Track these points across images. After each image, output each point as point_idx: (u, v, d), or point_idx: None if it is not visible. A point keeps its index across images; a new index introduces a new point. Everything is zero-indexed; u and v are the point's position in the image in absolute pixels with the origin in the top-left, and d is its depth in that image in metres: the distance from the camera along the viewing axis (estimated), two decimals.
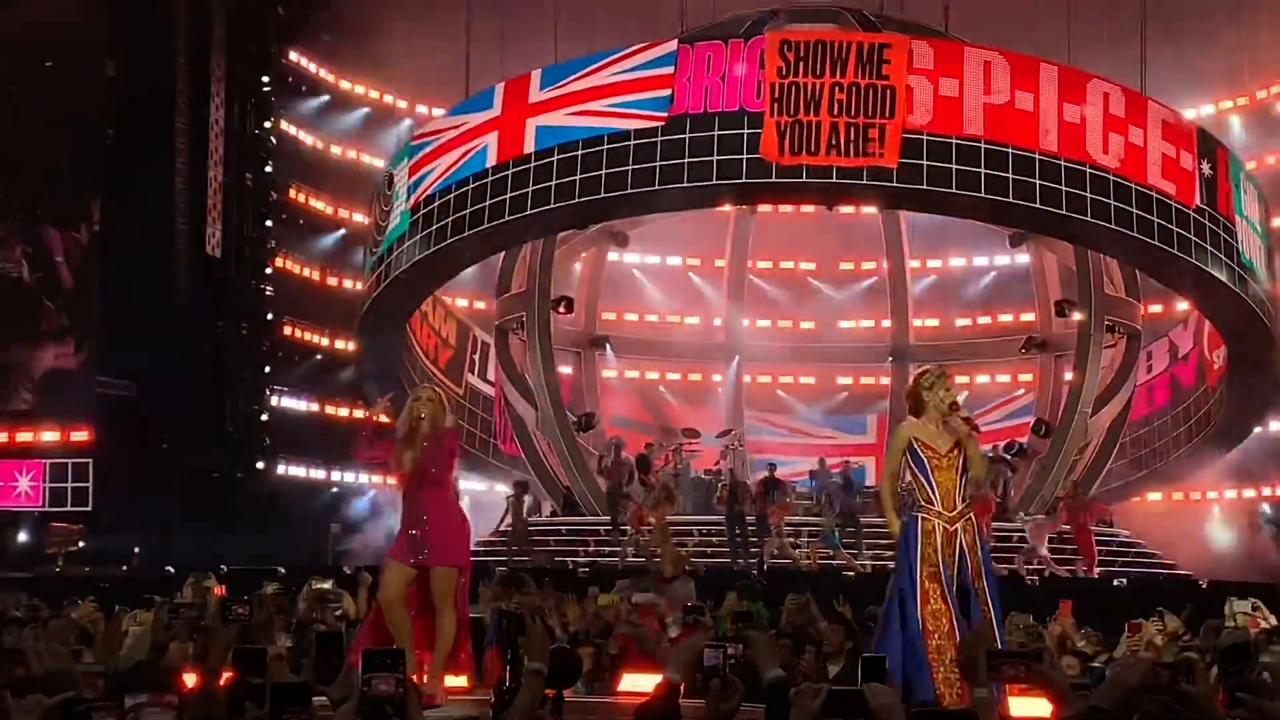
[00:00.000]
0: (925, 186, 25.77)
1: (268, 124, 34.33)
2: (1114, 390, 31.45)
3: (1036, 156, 25.71)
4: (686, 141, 26.19)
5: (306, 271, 35.66)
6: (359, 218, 34.47)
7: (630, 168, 26.39)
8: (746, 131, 25.96)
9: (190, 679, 8.89)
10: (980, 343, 35.66)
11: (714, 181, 26.48)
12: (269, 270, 34.21)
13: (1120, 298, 31.29)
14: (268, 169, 34.25)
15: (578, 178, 26.63)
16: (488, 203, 27.35)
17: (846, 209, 32.40)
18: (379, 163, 34.79)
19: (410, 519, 10.58)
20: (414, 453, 10.47)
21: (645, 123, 26.44)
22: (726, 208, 33.29)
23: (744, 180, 26.46)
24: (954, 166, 25.55)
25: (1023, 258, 34.55)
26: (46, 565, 27.95)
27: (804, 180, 26.29)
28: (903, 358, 35.94)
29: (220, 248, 33.03)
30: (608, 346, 36.06)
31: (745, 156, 26.00)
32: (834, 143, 25.61)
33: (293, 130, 35.49)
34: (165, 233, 31.54)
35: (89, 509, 30.48)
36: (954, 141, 25.64)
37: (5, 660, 4.46)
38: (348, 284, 34.98)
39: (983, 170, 25.58)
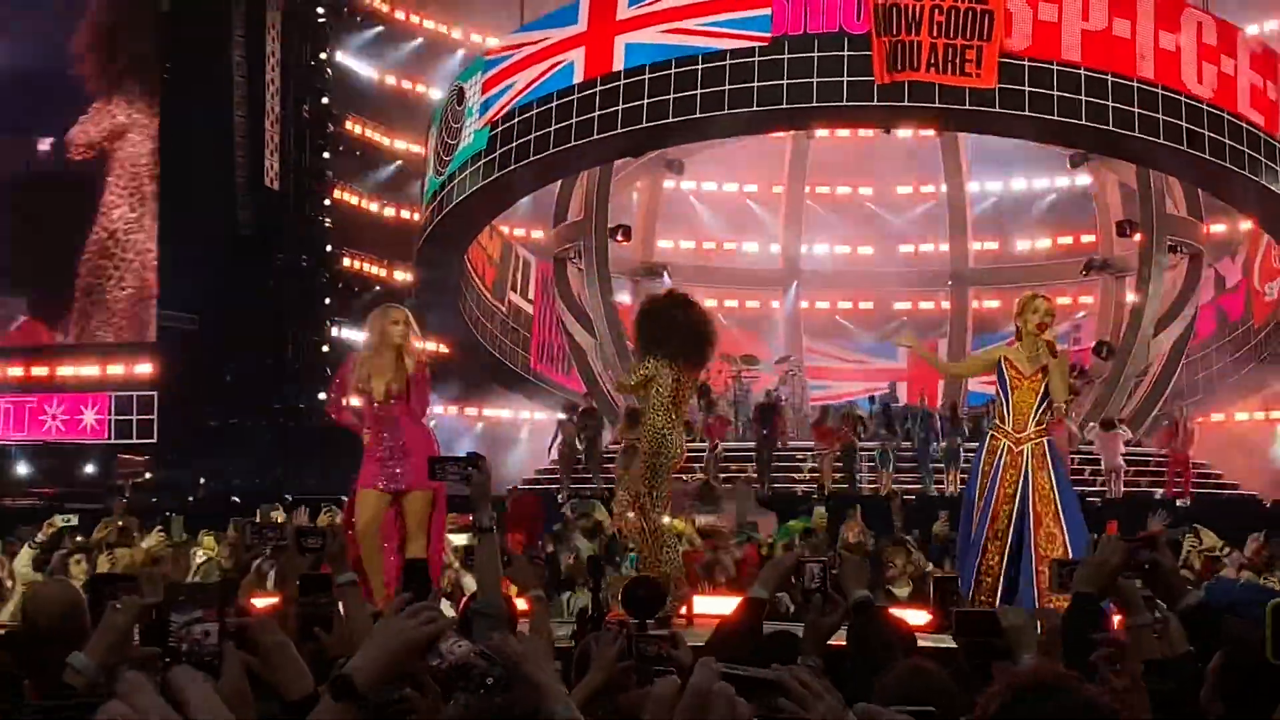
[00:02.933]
0: (1026, 112, 25.56)
1: (323, 55, 34.30)
2: (1176, 311, 31.22)
3: (1134, 84, 25.54)
4: (785, 62, 25.92)
5: (364, 203, 35.73)
6: (416, 149, 34.45)
7: (727, 88, 26.15)
8: (847, 53, 25.75)
9: (260, 603, 9.03)
10: (1040, 265, 35.43)
11: (814, 104, 26.28)
12: (327, 202, 34.25)
13: (1182, 217, 31.01)
14: (324, 101, 34.24)
15: (671, 97, 26.35)
16: (574, 120, 27.09)
17: (904, 132, 32.15)
18: (435, 93, 34.77)
19: (385, 447, 10.29)
20: (386, 380, 10.19)
21: (743, 42, 26.21)
22: (781, 134, 33.14)
23: (844, 103, 26.26)
24: (1055, 93, 25.34)
25: (1083, 179, 34.27)
26: (113, 496, 28.27)
27: (906, 104, 26.03)
28: (962, 282, 35.82)
29: (279, 180, 33.13)
30: (665, 274, 36.03)
31: (846, 79, 25.81)
32: (933, 61, 25.45)
33: (348, 61, 35.48)
34: (224, 166, 31.63)
35: (154, 441, 30.79)
36: (1054, 67, 25.45)
37: (117, 585, 4.46)
38: (405, 215, 35.03)
39: (1082, 97, 25.37)
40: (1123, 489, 26.67)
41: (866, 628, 5.23)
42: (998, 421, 10.81)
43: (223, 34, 31.84)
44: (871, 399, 31.20)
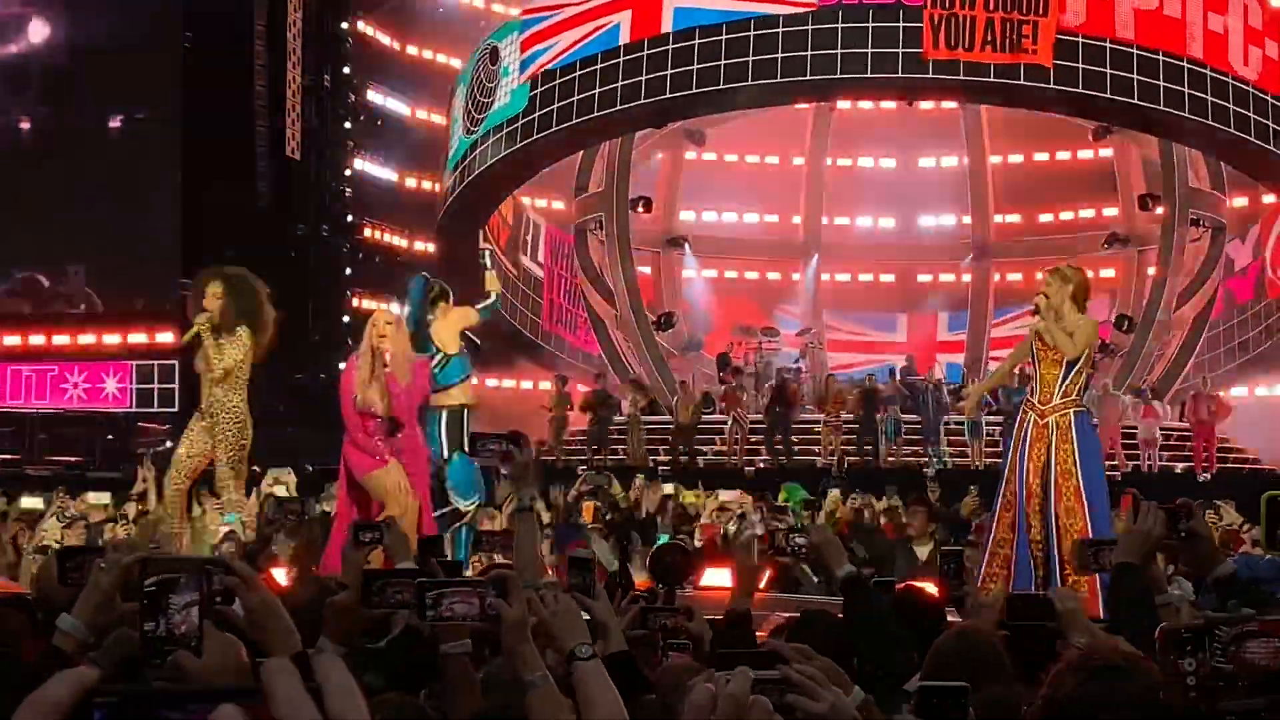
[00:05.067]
0: (1080, 89, 25.47)
1: (345, 25, 34.27)
2: (1198, 284, 31.12)
3: (1185, 64, 25.46)
4: (839, 31, 25.77)
5: (385, 173, 35.72)
6: (437, 118, 34.42)
7: (780, 55, 25.96)
8: (902, 25, 25.60)
9: (280, 574, 9.05)
10: (1062, 238, 35.28)
11: (868, 74, 26.14)
12: (348, 172, 34.28)
13: (1205, 190, 30.92)
14: (345, 70, 34.22)
15: (722, 63, 26.19)
16: (620, 83, 26.96)
17: (926, 104, 32.03)
18: (456, 63, 34.68)
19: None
20: (379, 395, 10.27)
21: (794, 9, 26.04)
22: (804, 104, 33.01)
23: (899, 75, 26.09)
24: (1108, 71, 25.27)
25: (1106, 151, 34.13)
26: (134, 465, 28.32)
27: (961, 78, 25.94)
28: (984, 254, 35.71)
29: (299, 150, 33.12)
30: (686, 246, 36.01)
31: (901, 51, 25.67)
32: (989, 38, 25.33)
33: (369, 30, 35.43)
34: (245, 135, 31.64)
35: (175, 410, 30.85)
36: (1107, 44, 25.35)
37: (83, 560, 4.49)
38: (427, 185, 35.01)
39: (1135, 76, 25.29)
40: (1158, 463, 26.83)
41: (861, 603, 5.22)
42: (1028, 395, 10.78)
43: (244, 2, 31.80)
44: (892, 371, 31.12)
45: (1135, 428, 27.49)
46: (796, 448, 28.09)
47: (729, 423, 28.60)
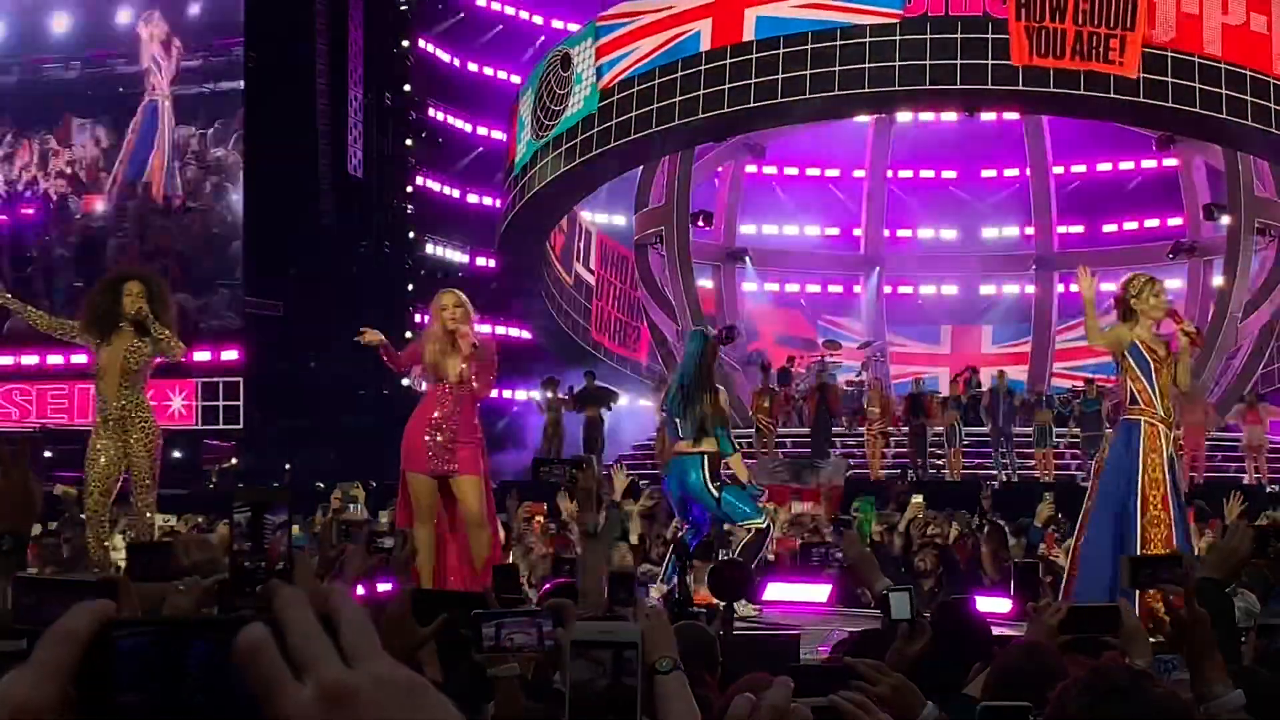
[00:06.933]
0: (1170, 104, 25.29)
1: (405, 43, 34.48)
2: (1265, 294, 30.79)
3: (1271, 81, 25.27)
4: (927, 42, 25.53)
5: (446, 190, 35.88)
6: (497, 135, 34.53)
7: (866, 65, 25.84)
8: (991, 36, 25.48)
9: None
10: (1126, 248, 35.01)
11: (958, 86, 25.99)
12: (409, 189, 34.46)
13: (1271, 199, 30.57)
14: (406, 88, 34.43)
15: (808, 72, 25.89)
16: (701, 91, 26.77)
17: (988, 115, 31.85)
18: (516, 79, 34.82)
19: (433, 427, 10.11)
20: (456, 363, 10.03)
21: (880, 19, 25.95)
22: (865, 117, 32.90)
23: (989, 86, 25.93)
24: (1196, 85, 25.09)
25: (1169, 161, 33.85)
26: (200, 482, 28.56)
27: (1050, 90, 25.74)
28: (1046, 265, 35.48)
29: (361, 168, 33.33)
30: (747, 259, 35.96)
31: (990, 62, 25.50)
32: (1078, 48, 25.21)
33: (430, 48, 35.63)
34: (307, 154, 31.85)
35: (240, 426, 31.06)
36: (1195, 60, 25.20)
37: (155, 555, 4.54)
38: (488, 201, 35.14)
39: (1223, 91, 25.11)
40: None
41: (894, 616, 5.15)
42: (1145, 406, 10.30)
43: (305, 22, 32.04)
44: (953, 380, 30.93)
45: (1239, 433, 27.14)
46: (852, 460, 27.90)
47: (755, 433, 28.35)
